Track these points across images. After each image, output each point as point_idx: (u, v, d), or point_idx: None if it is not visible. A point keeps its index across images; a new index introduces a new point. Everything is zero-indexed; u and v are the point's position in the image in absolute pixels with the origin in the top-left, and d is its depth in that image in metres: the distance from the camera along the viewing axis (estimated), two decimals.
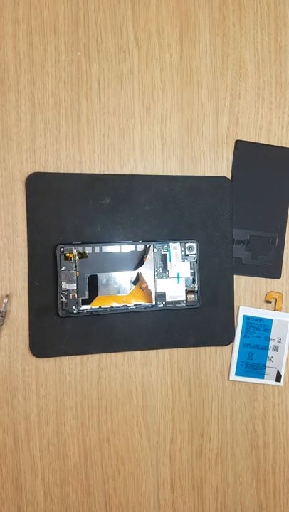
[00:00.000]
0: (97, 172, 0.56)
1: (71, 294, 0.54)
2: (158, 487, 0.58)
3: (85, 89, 0.56)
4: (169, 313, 0.57)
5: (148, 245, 0.56)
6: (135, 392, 0.58)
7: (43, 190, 0.55)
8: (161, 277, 0.56)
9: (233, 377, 0.59)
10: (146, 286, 0.56)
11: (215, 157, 0.59)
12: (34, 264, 0.55)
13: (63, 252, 0.54)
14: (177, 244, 0.57)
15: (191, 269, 0.57)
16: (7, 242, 0.55)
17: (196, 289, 0.57)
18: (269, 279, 0.60)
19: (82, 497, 0.57)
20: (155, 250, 0.56)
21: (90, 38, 0.56)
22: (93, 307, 0.55)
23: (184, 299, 0.57)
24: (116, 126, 0.57)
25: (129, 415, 0.57)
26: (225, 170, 0.59)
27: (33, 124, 0.55)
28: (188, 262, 0.57)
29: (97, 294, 0.55)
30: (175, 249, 0.57)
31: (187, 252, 0.57)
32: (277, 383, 0.60)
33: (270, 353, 0.60)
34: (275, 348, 0.60)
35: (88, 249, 0.55)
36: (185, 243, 0.57)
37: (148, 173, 0.58)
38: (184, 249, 0.57)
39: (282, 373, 0.60)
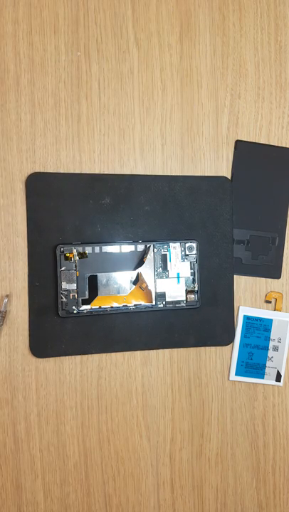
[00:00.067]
0: (97, 172, 0.56)
1: (71, 294, 0.54)
2: (158, 487, 0.58)
3: (85, 89, 0.56)
4: (169, 313, 0.57)
5: (148, 245, 0.56)
6: (135, 392, 0.58)
7: (43, 190, 0.55)
8: (161, 277, 0.56)
9: (233, 377, 0.59)
10: (146, 286, 0.56)
11: (215, 157, 0.59)
12: (34, 264, 0.55)
13: (63, 252, 0.54)
14: (177, 244, 0.57)
15: (191, 269, 0.57)
16: (7, 242, 0.55)
17: (196, 289, 0.57)
18: (269, 279, 0.60)
19: (82, 497, 0.57)
20: (155, 250, 0.56)
21: (90, 38, 0.56)
22: (93, 307, 0.55)
23: (184, 299, 0.57)
24: (116, 126, 0.57)
25: (129, 415, 0.57)
26: (225, 170, 0.59)
27: (33, 124, 0.55)
28: (188, 262, 0.57)
29: (97, 294, 0.55)
30: (175, 249, 0.57)
31: (187, 252, 0.57)
32: (277, 383, 0.60)
33: (270, 353, 0.60)
34: (275, 348, 0.60)
35: (88, 249, 0.55)
36: (185, 243, 0.57)
37: (148, 173, 0.58)
38: (184, 249, 0.57)
39: (282, 373, 0.60)
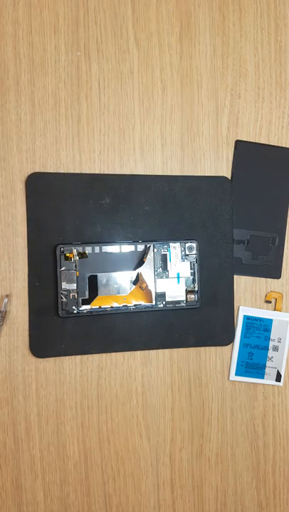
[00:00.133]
0: (97, 172, 0.56)
1: (71, 294, 0.54)
2: (158, 487, 0.58)
3: (85, 89, 0.56)
4: (169, 313, 0.57)
5: (148, 245, 0.56)
6: (135, 392, 0.58)
7: (43, 190, 0.55)
8: (161, 277, 0.56)
9: (233, 377, 0.59)
10: (146, 286, 0.56)
11: (215, 157, 0.59)
12: (34, 264, 0.55)
13: (63, 252, 0.54)
14: (177, 244, 0.57)
15: (191, 269, 0.57)
16: (7, 242, 0.55)
17: (196, 289, 0.57)
18: (269, 279, 0.60)
19: (82, 497, 0.57)
20: (155, 250, 0.56)
21: (90, 38, 0.56)
22: (93, 307, 0.55)
23: (184, 299, 0.57)
24: (116, 126, 0.57)
25: (129, 415, 0.57)
26: (225, 170, 0.59)
27: (33, 124, 0.55)
28: (188, 262, 0.57)
29: (97, 294, 0.55)
30: (175, 249, 0.57)
31: (187, 252, 0.57)
32: (277, 383, 0.60)
33: (270, 353, 0.60)
34: (275, 348, 0.60)
35: (88, 249, 0.55)
36: (185, 243, 0.57)
37: (148, 173, 0.58)
38: (184, 249, 0.57)
39: (282, 373, 0.60)
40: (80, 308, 0.55)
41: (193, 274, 0.57)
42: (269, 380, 0.60)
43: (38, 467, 0.56)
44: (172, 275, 0.57)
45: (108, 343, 0.56)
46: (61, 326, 0.55)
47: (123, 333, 0.56)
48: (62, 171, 0.56)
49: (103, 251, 0.55)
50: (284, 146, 0.60)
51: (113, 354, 0.57)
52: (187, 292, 0.57)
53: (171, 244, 0.57)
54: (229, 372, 0.59)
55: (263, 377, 0.60)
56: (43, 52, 0.55)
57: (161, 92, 0.58)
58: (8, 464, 0.55)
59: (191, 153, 0.59)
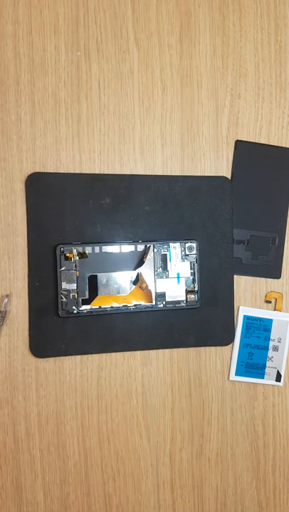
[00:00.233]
0: (97, 172, 0.56)
1: (71, 294, 0.54)
2: (158, 487, 0.58)
3: (85, 89, 0.56)
4: (169, 313, 0.57)
5: (148, 245, 0.56)
6: (135, 392, 0.58)
7: (43, 190, 0.55)
8: (161, 277, 0.56)
9: (233, 377, 0.59)
10: (146, 286, 0.56)
11: (215, 157, 0.59)
12: (34, 264, 0.55)
13: (63, 252, 0.54)
14: (177, 244, 0.57)
15: (191, 269, 0.57)
16: (7, 242, 0.55)
17: (196, 289, 0.57)
18: (269, 279, 0.60)
19: (82, 497, 0.57)
20: (155, 250, 0.56)
21: (90, 38, 0.56)
22: (93, 307, 0.55)
23: (184, 299, 0.57)
24: (116, 126, 0.57)
25: (129, 415, 0.57)
26: (225, 170, 0.59)
27: (33, 124, 0.55)
28: (188, 262, 0.57)
29: (97, 294, 0.55)
30: (175, 249, 0.57)
31: (187, 252, 0.57)
32: (277, 383, 0.60)
33: (270, 353, 0.60)
34: (275, 348, 0.60)
35: (88, 249, 0.55)
36: (185, 243, 0.57)
37: (148, 173, 0.58)
38: (184, 249, 0.57)
39: (282, 373, 0.60)
40: (80, 308, 0.55)
41: (193, 274, 0.57)
42: (269, 380, 0.60)
43: (38, 467, 0.56)
44: (172, 275, 0.57)
45: (108, 343, 0.56)
46: (61, 326, 0.55)
47: (123, 333, 0.56)
48: (62, 171, 0.56)
49: (103, 251, 0.55)
50: (284, 146, 0.60)
51: (113, 354, 0.57)
52: (187, 292, 0.57)
53: (171, 244, 0.57)
54: (229, 372, 0.60)
55: (263, 377, 0.60)
56: (43, 52, 0.55)
57: (161, 92, 0.58)
58: (8, 464, 0.55)
59: (191, 153, 0.59)
